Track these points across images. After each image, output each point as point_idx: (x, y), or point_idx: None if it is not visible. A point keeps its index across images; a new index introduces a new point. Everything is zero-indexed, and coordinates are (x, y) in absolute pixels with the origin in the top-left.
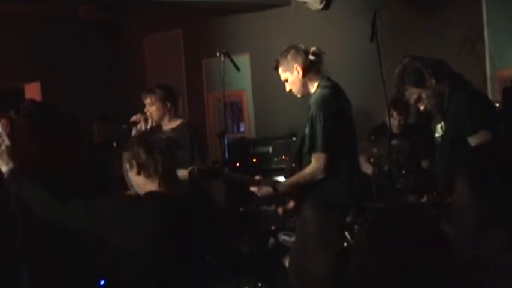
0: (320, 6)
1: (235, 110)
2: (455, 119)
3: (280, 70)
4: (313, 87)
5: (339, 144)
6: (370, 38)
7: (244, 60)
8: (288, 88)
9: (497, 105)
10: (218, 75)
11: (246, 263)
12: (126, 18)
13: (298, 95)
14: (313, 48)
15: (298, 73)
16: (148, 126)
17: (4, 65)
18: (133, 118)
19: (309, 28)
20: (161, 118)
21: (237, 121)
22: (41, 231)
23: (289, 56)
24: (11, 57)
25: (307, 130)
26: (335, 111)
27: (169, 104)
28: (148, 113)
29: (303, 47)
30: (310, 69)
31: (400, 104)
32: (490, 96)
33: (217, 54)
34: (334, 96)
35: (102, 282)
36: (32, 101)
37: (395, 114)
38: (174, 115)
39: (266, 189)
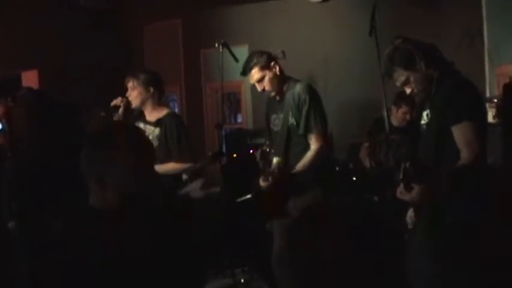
0: None
1: (233, 100)
2: (441, 107)
3: (257, 70)
4: (285, 86)
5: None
6: (369, 32)
7: (242, 51)
8: (261, 88)
9: (496, 100)
10: (216, 66)
11: (241, 253)
12: (125, 7)
13: (273, 93)
14: (280, 49)
15: (276, 69)
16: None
17: (1, 52)
18: (114, 102)
19: (308, 20)
20: (142, 103)
21: (234, 112)
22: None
23: (265, 56)
24: (9, 45)
25: (291, 120)
26: (320, 98)
27: (152, 89)
28: (129, 98)
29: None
30: (281, 70)
31: (407, 97)
32: (488, 92)
33: (216, 44)
34: (314, 88)
35: None
36: (29, 89)
37: (404, 107)
38: (159, 103)
39: None
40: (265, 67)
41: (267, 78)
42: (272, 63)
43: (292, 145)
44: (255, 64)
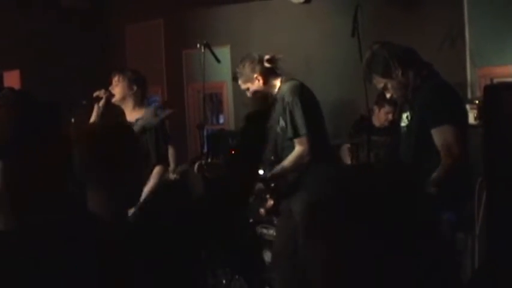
0: (302, 0)
1: (214, 101)
2: (421, 110)
3: (240, 82)
4: (275, 88)
5: (317, 129)
6: (351, 33)
7: (224, 52)
8: (249, 95)
9: (477, 102)
10: (198, 67)
11: (223, 254)
12: (107, 7)
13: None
14: (267, 57)
15: (259, 81)
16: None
17: None
18: (96, 93)
19: (290, 22)
20: (124, 99)
21: (216, 113)
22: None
23: (246, 68)
24: None
25: (281, 122)
26: (309, 98)
27: (135, 87)
28: (112, 91)
29: (257, 56)
30: (269, 75)
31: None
32: (469, 93)
33: (198, 45)
34: (304, 86)
35: None
36: (11, 89)
37: (386, 106)
38: (140, 103)
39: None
40: (247, 81)
41: (250, 90)
42: (254, 76)
43: (286, 148)
44: (239, 76)
